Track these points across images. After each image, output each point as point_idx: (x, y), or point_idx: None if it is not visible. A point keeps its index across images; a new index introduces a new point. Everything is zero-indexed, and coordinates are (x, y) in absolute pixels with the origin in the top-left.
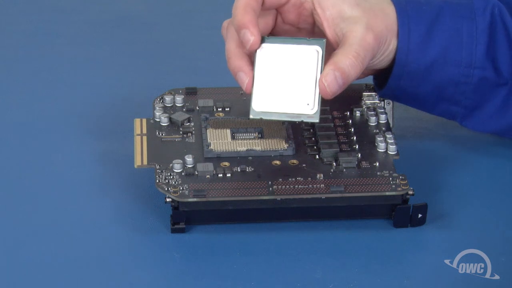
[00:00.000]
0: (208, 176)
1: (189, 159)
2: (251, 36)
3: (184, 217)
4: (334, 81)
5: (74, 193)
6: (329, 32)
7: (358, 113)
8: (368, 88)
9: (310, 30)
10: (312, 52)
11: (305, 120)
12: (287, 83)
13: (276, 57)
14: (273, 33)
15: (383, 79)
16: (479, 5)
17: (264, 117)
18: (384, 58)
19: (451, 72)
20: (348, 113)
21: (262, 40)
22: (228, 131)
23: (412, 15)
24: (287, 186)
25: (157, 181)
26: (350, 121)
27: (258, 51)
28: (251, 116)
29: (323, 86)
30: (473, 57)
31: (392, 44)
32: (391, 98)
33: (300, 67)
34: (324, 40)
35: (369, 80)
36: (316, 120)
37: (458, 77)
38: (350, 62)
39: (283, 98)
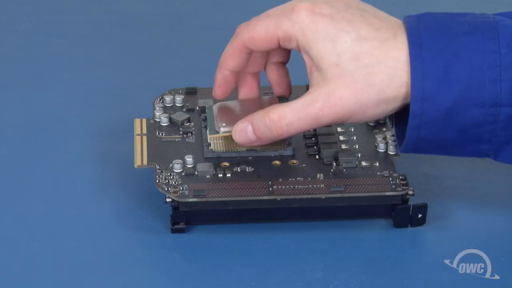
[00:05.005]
0: (208, 176)
1: (189, 159)
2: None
3: (184, 217)
4: (244, 132)
5: (74, 193)
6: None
7: None
8: None
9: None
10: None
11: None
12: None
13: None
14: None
15: (402, 130)
16: (504, 35)
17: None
18: (383, 113)
19: (475, 114)
20: None
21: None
22: None
23: (426, 57)
24: (287, 186)
25: (157, 181)
26: None
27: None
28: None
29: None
30: (498, 95)
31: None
32: (415, 151)
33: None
34: None
35: None
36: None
37: (484, 117)
38: (264, 123)
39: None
